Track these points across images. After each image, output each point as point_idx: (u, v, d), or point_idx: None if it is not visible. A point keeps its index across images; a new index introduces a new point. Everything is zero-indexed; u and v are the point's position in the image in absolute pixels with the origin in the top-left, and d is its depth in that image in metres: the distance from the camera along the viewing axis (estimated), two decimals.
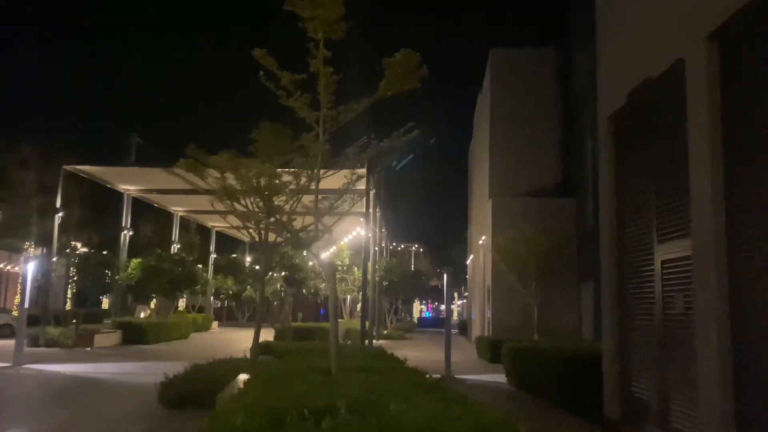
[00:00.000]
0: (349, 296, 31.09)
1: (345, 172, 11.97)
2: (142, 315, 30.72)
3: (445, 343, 14.57)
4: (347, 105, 6.34)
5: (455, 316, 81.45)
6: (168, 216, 33.05)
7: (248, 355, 12.83)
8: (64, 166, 21.45)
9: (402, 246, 61.38)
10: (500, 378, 13.48)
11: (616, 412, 8.47)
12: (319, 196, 12.36)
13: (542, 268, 19.48)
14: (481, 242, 25.65)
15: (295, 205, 9.00)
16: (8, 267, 43.82)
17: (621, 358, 8.54)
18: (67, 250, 24.71)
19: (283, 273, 20.53)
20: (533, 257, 19.22)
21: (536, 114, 22.75)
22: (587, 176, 19.97)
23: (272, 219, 7.24)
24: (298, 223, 11.91)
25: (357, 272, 24.91)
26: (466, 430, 3.31)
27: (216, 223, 35.79)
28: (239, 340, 24.75)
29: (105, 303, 36.97)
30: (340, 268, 24.42)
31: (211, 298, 37.09)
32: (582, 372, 9.54)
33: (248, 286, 36.57)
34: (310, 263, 21.09)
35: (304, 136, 10.24)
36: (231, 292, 38.64)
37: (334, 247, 24.56)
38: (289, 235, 7.84)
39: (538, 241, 19.18)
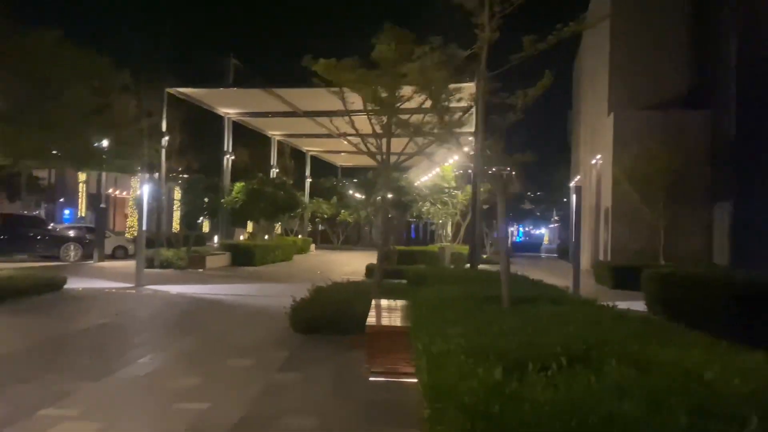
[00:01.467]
0: (446, 220, 30.28)
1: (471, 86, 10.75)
2: (241, 238, 31.35)
3: (573, 267, 13.52)
4: None
5: (545, 240, 79.53)
6: (264, 140, 32.98)
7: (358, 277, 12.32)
8: (167, 89, 21.34)
9: (494, 169, 59.02)
10: (636, 306, 12.32)
11: None
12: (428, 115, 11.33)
13: (670, 188, 17.72)
14: (594, 162, 23.84)
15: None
16: (115, 192, 45.97)
17: None
18: (172, 175, 25.16)
19: (389, 196, 19.79)
20: (661, 176, 17.46)
21: (664, 13, 20.20)
22: (728, 82, 17.66)
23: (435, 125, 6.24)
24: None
25: (460, 196, 23.90)
26: None
27: (311, 147, 35.52)
28: (341, 263, 24.72)
29: (205, 226, 38.08)
30: (447, 190, 23.48)
31: (302, 221, 37.41)
32: (759, 301, 8.36)
33: (342, 210, 36.61)
34: (416, 183, 20.20)
35: (431, 39, 9.08)
36: (326, 216, 38.85)
37: (438, 169, 23.57)
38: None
39: (668, 158, 17.35)
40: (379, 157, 10.99)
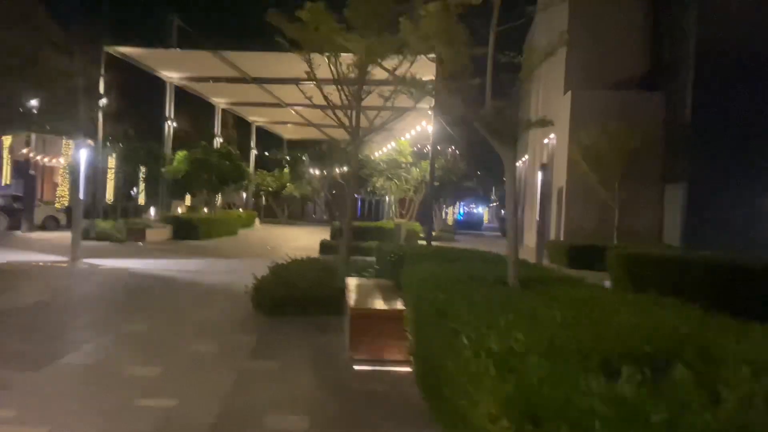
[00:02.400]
0: (399, 196, 29.72)
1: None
2: (179, 210, 29.89)
3: (537, 246, 13.29)
4: None
5: (485, 219, 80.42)
6: (207, 108, 31.39)
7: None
8: (105, 48, 19.68)
9: (438, 147, 58.91)
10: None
11: None
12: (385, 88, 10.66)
13: (625, 168, 17.77)
14: (546, 141, 23.77)
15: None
16: (44, 159, 43.08)
17: None
18: (108, 142, 23.51)
19: (344, 169, 19.06)
20: (618, 156, 17.45)
21: None
22: (686, 65, 17.72)
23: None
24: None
25: (415, 171, 23.35)
26: None
27: (257, 117, 34.13)
28: (290, 238, 23.88)
29: (141, 198, 36.28)
30: (403, 165, 22.86)
31: (246, 194, 36.12)
32: (734, 282, 8.47)
33: (288, 184, 35.55)
34: (374, 156, 19.48)
35: None
36: (270, 190, 37.61)
37: (393, 143, 22.90)
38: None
39: (626, 139, 17.33)
40: (348, 128, 10.25)
